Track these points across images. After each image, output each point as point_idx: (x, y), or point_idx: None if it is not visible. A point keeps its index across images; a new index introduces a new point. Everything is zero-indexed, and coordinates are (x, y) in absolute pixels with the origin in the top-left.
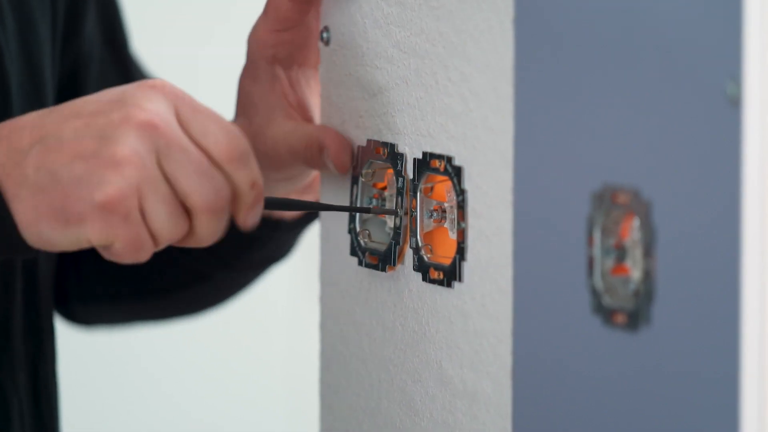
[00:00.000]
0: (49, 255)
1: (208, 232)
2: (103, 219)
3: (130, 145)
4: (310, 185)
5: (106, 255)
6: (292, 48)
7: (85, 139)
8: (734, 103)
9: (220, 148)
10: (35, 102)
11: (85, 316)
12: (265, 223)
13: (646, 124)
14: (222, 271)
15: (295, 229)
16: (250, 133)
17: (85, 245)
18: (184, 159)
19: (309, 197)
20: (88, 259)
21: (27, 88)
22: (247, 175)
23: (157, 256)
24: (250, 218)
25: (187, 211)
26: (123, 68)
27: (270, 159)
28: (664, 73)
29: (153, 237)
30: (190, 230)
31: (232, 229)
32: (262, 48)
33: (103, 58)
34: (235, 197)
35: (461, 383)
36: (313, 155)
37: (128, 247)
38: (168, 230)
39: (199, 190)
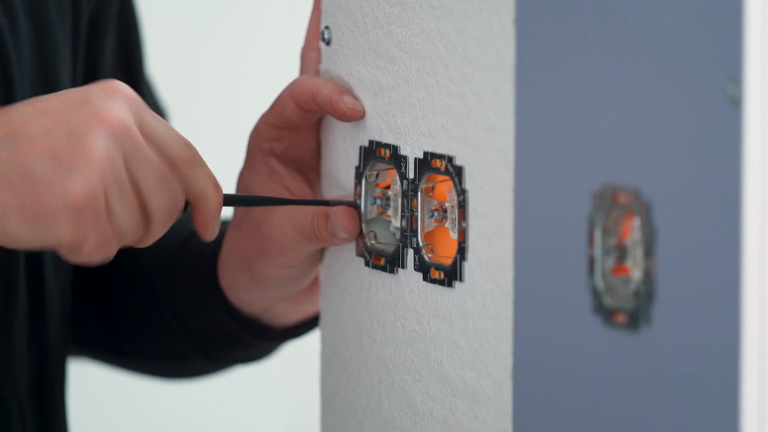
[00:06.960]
0: (59, 260)
1: (154, 238)
2: (75, 217)
3: (100, 144)
4: (309, 288)
5: (75, 258)
6: (289, 144)
7: (55, 136)
8: (734, 104)
9: (178, 151)
10: None
11: None
12: (254, 327)
13: (647, 124)
14: (199, 357)
15: (282, 338)
16: (251, 221)
17: (52, 244)
18: (148, 164)
19: (310, 299)
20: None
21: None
22: (208, 174)
23: (140, 324)
24: (214, 225)
25: (145, 216)
26: (135, 89)
27: (276, 243)
28: (665, 74)
29: (116, 237)
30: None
31: (220, 325)
32: (260, 140)
33: (116, 77)
34: (198, 202)
35: (462, 383)
36: (319, 227)
37: (97, 246)
38: (130, 231)
39: (159, 197)
